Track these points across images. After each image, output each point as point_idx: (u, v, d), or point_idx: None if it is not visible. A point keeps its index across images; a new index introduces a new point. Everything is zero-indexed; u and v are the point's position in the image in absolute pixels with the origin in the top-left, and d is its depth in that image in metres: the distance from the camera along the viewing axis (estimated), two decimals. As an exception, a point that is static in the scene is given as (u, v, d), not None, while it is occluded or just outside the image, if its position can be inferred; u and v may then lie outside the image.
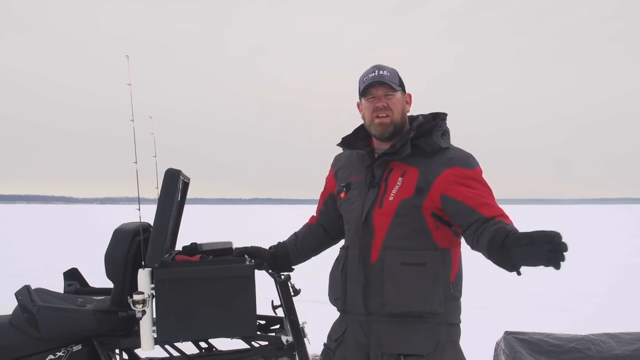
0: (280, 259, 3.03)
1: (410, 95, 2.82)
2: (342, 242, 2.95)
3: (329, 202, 2.99)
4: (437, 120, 2.78)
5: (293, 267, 3.09)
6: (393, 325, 2.66)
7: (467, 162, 2.68)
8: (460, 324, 2.77)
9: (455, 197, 2.61)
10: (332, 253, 2.99)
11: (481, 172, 2.71)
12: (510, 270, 2.39)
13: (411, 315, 2.63)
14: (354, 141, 2.87)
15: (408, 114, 2.83)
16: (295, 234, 3.11)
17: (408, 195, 2.65)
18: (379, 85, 2.72)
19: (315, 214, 3.13)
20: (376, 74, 2.74)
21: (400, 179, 2.68)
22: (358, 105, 2.84)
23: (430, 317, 2.63)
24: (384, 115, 2.72)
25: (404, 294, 2.61)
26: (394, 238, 2.66)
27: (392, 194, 2.68)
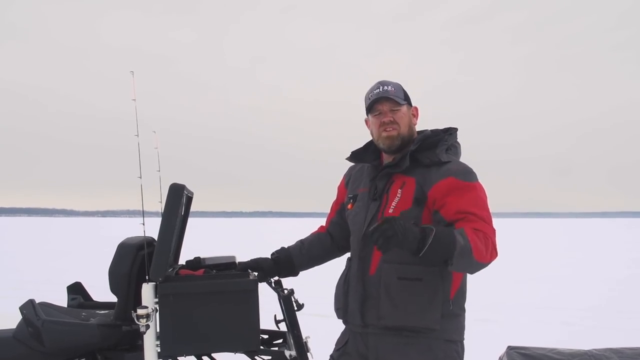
0: (283, 264, 3.06)
1: (416, 109, 2.86)
2: (349, 254, 2.96)
3: (342, 212, 3.02)
4: (443, 135, 2.80)
5: (298, 272, 3.11)
6: (390, 339, 2.67)
7: (465, 174, 2.67)
8: (464, 341, 2.77)
9: (441, 214, 2.61)
10: (336, 267, 3.01)
11: (480, 188, 2.68)
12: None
13: (406, 330, 2.64)
14: (364, 155, 2.91)
15: (417, 128, 2.87)
16: (302, 240, 3.14)
17: (407, 207, 2.67)
18: (385, 101, 2.76)
19: (324, 224, 3.16)
20: (381, 89, 2.77)
21: (399, 190, 2.70)
22: (366, 121, 2.88)
23: (426, 333, 2.63)
24: (391, 128, 2.76)
25: (399, 309, 2.62)
26: (392, 252, 2.67)
27: (392, 206, 2.70)
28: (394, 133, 2.75)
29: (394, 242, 2.32)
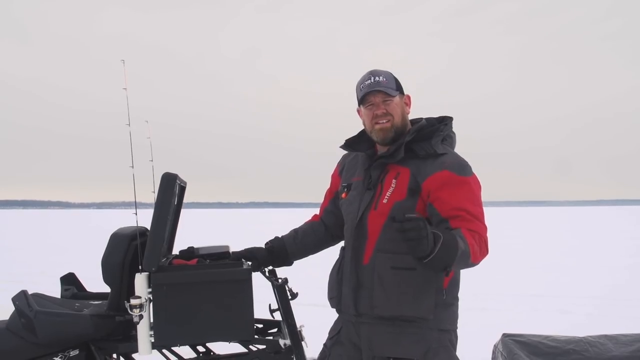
0: (277, 253, 3.05)
1: (409, 97, 2.82)
2: (342, 243, 2.95)
3: (336, 200, 3.00)
4: (439, 125, 2.78)
5: (292, 261, 3.10)
6: (383, 328, 2.67)
7: (460, 168, 2.65)
8: (457, 330, 2.76)
9: (436, 207, 2.61)
10: (331, 256, 3.00)
11: (475, 182, 2.67)
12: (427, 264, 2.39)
13: (400, 319, 2.63)
14: (358, 143, 2.88)
15: (411, 117, 2.84)
16: (295, 230, 3.13)
17: (401, 198, 2.65)
18: (377, 92, 2.73)
19: (318, 213, 3.15)
20: (372, 80, 2.74)
21: (394, 181, 2.69)
22: (358, 111, 2.85)
23: (419, 322, 2.62)
24: (385, 120, 2.73)
25: (392, 298, 2.61)
26: (386, 241, 2.66)
27: (386, 197, 2.68)
28: (388, 125, 2.73)
29: (423, 246, 2.29)
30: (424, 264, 2.37)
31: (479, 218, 2.59)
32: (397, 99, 2.75)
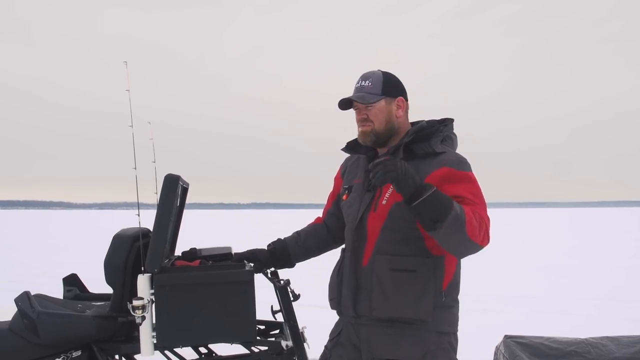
0: (280, 255, 3.05)
1: (401, 100, 2.78)
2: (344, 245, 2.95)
3: (338, 203, 3.00)
4: (439, 126, 2.78)
5: (294, 263, 3.10)
6: (382, 330, 2.67)
7: (459, 164, 2.65)
8: (457, 333, 2.75)
9: None
10: (333, 258, 3.00)
11: (475, 179, 2.65)
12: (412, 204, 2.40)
13: (399, 321, 2.64)
14: (359, 146, 2.89)
15: (412, 118, 2.84)
16: (298, 232, 3.14)
17: (400, 199, 2.65)
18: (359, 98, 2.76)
19: (321, 215, 3.16)
20: (358, 85, 2.77)
21: None
22: None
23: (418, 324, 2.62)
24: (366, 125, 2.76)
25: (391, 300, 2.62)
26: (385, 243, 2.67)
27: (385, 198, 2.69)
28: (368, 129, 2.75)
29: (391, 176, 2.35)
30: (412, 208, 2.37)
31: (481, 206, 2.56)
32: (380, 104, 2.74)
